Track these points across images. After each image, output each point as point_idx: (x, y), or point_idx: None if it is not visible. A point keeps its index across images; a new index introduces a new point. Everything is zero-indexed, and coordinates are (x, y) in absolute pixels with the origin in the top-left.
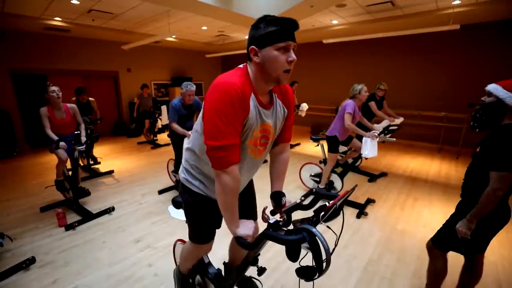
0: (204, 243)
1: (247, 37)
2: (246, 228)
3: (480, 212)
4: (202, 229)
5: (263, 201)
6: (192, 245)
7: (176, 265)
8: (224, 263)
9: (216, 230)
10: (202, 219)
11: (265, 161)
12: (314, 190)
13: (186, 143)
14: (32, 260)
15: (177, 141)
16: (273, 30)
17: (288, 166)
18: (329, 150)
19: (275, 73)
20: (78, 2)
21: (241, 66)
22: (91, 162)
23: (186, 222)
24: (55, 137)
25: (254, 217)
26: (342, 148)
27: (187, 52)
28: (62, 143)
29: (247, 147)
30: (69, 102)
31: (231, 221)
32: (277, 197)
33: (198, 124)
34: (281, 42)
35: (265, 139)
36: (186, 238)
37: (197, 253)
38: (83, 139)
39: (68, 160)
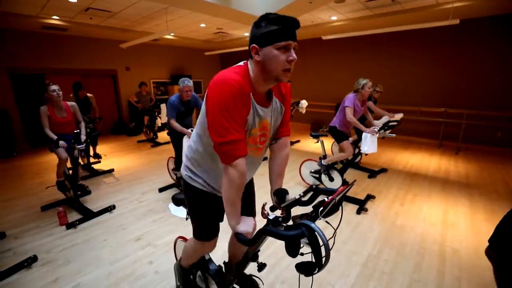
0: (209, 240)
1: (246, 34)
2: (246, 224)
3: None
4: (206, 225)
5: (263, 198)
6: (197, 242)
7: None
8: (224, 263)
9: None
10: (206, 214)
11: (265, 158)
12: (314, 186)
13: (185, 141)
14: (34, 259)
15: (176, 138)
16: (274, 30)
17: (288, 163)
18: (337, 142)
19: (275, 72)
20: (75, 0)
21: (241, 63)
22: (94, 160)
23: (187, 219)
24: (54, 136)
25: (252, 215)
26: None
27: (185, 50)
28: (61, 142)
29: (247, 145)
30: (67, 98)
31: (233, 216)
32: (281, 194)
33: (200, 120)
34: (281, 41)
35: (264, 136)
36: (187, 235)
37: (200, 251)
38: (83, 137)
39: (68, 159)
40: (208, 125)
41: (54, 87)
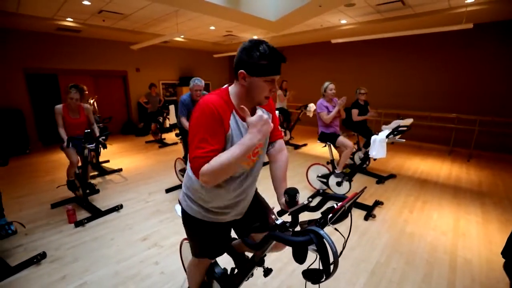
0: (214, 258)
1: (255, 37)
2: (258, 117)
3: None
4: (210, 247)
5: (269, 202)
6: (197, 260)
7: (183, 264)
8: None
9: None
10: (208, 240)
11: (266, 163)
12: (320, 191)
13: None
14: (43, 255)
15: (186, 136)
16: (265, 64)
17: (295, 167)
18: (333, 144)
19: (258, 99)
20: (89, 3)
21: (224, 87)
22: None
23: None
24: (65, 137)
25: (269, 214)
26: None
27: (195, 52)
28: (70, 144)
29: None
30: None
31: (243, 149)
32: (291, 193)
33: None
34: (270, 76)
35: (256, 147)
36: None
37: (203, 265)
38: (97, 133)
39: (79, 159)
40: (188, 143)
41: (74, 95)
